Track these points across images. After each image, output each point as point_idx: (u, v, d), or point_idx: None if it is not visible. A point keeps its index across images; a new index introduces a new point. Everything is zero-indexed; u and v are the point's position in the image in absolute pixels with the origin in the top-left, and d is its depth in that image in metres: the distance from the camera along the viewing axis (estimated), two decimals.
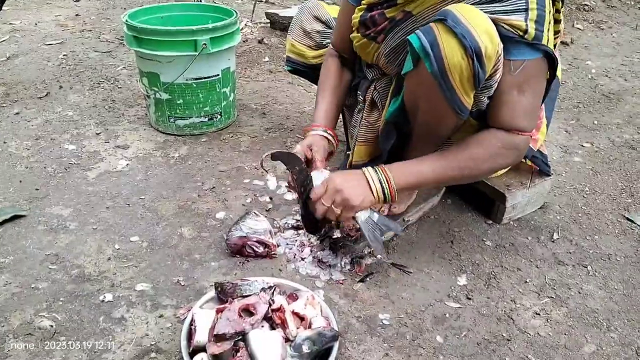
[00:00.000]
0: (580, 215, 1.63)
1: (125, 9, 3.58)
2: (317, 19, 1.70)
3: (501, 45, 1.10)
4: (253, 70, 2.66)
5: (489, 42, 1.06)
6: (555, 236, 1.52)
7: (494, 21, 1.09)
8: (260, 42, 2.97)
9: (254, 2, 3.45)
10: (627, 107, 2.46)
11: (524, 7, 1.10)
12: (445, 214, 1.59)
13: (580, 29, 3.59)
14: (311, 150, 1.34)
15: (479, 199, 1.59)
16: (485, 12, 1.10)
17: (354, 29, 1.38)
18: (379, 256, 1.37)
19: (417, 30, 1.12)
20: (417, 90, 1.21)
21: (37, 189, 1.60)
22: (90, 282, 1.27)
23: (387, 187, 1.20)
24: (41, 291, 1.23)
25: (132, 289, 1.25)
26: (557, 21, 1.22)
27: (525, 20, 1.10)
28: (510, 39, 1.12)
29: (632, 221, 1.61)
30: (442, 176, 1.24)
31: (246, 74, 2.60)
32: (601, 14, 3.89)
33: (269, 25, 3.21)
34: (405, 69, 1.18)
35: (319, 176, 1.28)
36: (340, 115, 1.69)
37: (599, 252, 1.47)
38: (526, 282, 1.35)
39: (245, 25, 3.24)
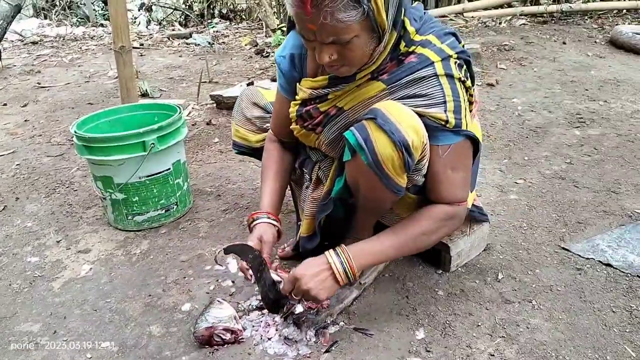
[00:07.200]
0: (520, 251, 1.76)
1: (73, 107, 3.66)
2: (256, 104, 1.80)
3: (426, 136, 1.24)
4: (204, 153, 2.77)
5: (415, 135, 1.20)
6: (500, 276, 1.64)
7: (419, 114, 1.24)
8: (208, 123, 3.10)
9: (198, 84, 3.61)
10: (553, 139, 2.68)
11: (442, 100, 1.25)
12: (398, 270, 1.69)
13: (503, 68, 3.88)
14: (261, 241, 1.45)
15: (427, 251, 1.70)
16: (409, 106, 1.24)
17: (292, 121, 1.50)
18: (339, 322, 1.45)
19: (352, 127, 1.25)
20: (357, 175, 1.34)
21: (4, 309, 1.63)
22: None
23: (350, 270, 1.30)
24: None
25: None
26: (470, 102, 1.38)
27: (445, 111, 1.25)
28: (436, 128, 1.27)
29: (567, 250, 1.75)
30: (399, 251, 1.38)
31: (198, 158, 2.71)
32: (521, 51, 4.21)
33: (215, 105, 3.35)
34: (345, 158, 1.32)
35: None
36: (290, 188, 1.82)
37: (541, 285, 1.59)
38: (478, 325, 1.44)
39: (192, 108, 3.38)
